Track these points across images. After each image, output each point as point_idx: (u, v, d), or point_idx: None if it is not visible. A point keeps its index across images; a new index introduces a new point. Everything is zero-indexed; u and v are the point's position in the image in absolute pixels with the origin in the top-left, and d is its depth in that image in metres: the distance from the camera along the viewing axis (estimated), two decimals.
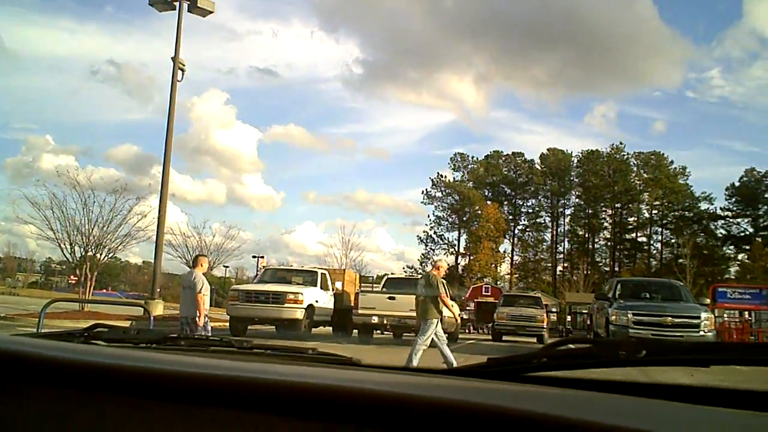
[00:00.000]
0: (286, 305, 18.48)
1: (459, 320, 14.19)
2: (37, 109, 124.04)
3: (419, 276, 26.17)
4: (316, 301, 19.86)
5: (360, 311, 18.67)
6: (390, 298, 18.48)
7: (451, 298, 22.03)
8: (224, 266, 48.84)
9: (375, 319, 18.38)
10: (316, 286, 20.56)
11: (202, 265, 11.69)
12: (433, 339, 11.57)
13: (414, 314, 17.80)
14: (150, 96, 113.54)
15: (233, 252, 36.61)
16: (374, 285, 23.63)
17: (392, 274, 27.78)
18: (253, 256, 45.81)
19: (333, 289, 21.92)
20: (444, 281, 11.91)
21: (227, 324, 19.51)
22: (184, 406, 0.97)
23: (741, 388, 1.40)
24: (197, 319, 11.09)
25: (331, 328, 22.10)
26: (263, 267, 32.01)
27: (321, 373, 1.11)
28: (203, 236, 35.33)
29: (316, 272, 21.72)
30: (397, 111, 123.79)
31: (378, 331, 20.01)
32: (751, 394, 1.34)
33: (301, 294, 18.91)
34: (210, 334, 10.16)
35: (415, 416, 0.87)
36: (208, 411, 0.96)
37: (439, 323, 11.33)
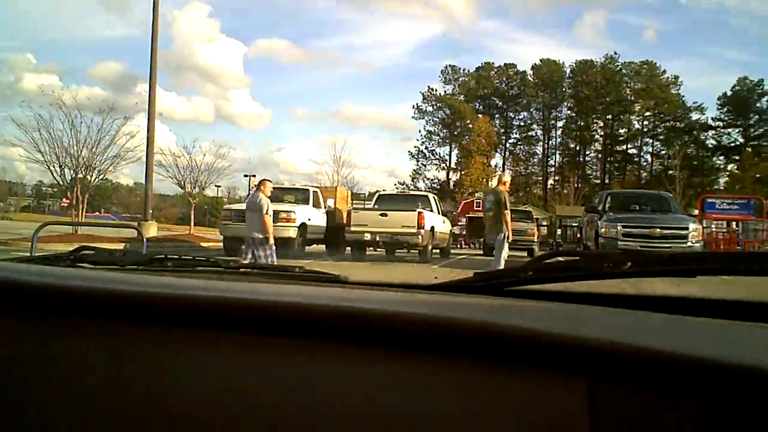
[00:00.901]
0: (279, 224, 18.50)
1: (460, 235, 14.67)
2: (15, 25, 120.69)
3: (411, 192, 26.18)
4: (309, 220, 19.91)
5: (352, 229, 18.72)
6: (382, 214, 18.52)
7: (443, 214, 22.21)
8: (216, 186, 48.78)
9: (367, 237, 18.45)
10: (308, 204, 20.58)
11: (265, 188, 12.41)
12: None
13: (406, 231, 17.96)
14: (130, 8, 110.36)
15: (224, 171, 36.44)
16: (366, 202, 23.72)
17: (384, 190, 27.77)
18: (245, 175, 45.60)
19: (325, 207, 21.95)
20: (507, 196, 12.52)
21: (221, 244, 19.62)
22: (166, 327, 0.97)
23: (728, 299, 1.41)
24: (265, 238, 11.95)
25: (324, 246, 22.25)
26: (255, 186, 31.95)
27: (306, 291, 1.10)
28: (193, 156, 35.02)
29: (308, 190, 21.71)
30: (385, 22, 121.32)
31: (371, 249, 20.15)
32: (739, 305, 1.35)
33: (294, 212, 18.94)
34: (274, 256, 12.00)
35: (398, 332, 0.87)
36: (191, 332, 0.96)
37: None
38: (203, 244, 24.66)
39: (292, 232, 18.73)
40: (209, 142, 65.18)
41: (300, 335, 0.90)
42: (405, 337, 0.86)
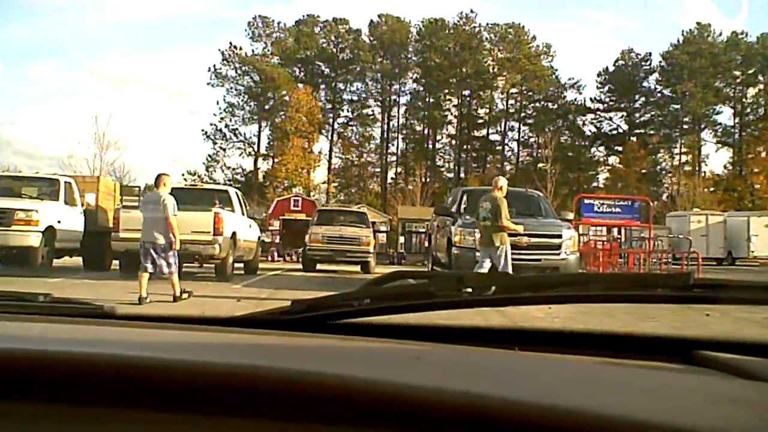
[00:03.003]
0: (13, 228, 17.61)
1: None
2: None
3: (206, 185, 25.86)
4: (59, 222, 19.16)
5: (122, 235, 18.21)
6: None
7: (250, 217, 22.20)
8: None
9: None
10: (57, 200, 19.78)
11: (165, 185, 13.94)
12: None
13: (198, 238, 17.72)
14: None
15: None
16: (142, 198, 23.00)
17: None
18: None
19: (83, 205, 21.27)
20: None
21: None
22: None
23: (596, 331, 1.52)
24: (165, 244, 13.50)
25: (80, 258, 21.65)
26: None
27: (54, 331, 1.05)
28: None
29: (57, 181, 20.80)
30: None
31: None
32: (608, 338, 1.45)
33: (36, 212, 18.09)
34: (176, 263, 13.69)
35: (183, 390, 0.84)
36: None
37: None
38: None
39: (34, 240, 17.87)
40: None
41: (42, 398, 0.85)
42: (193, 396, 0.84)
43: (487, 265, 13.92)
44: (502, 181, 14.65)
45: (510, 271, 13.31)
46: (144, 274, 13.48)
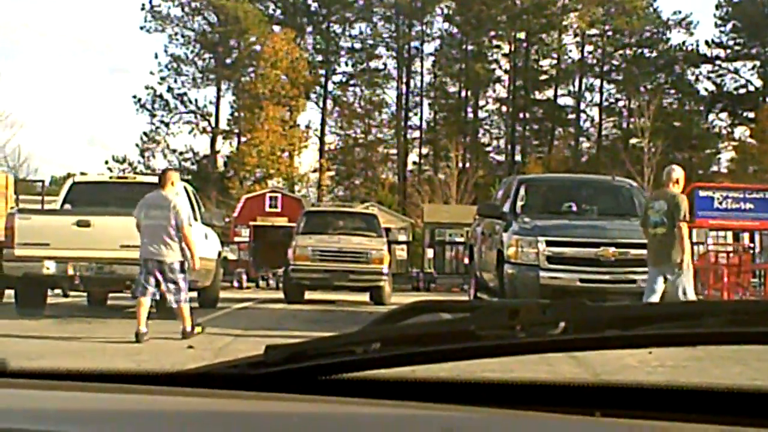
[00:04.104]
0: None
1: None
2: None
3: (140, 178, 25.94)
4: None
5: (18, 252, 18.26)
6: (80, 224, 18.20)
7: (207, 224, 22.29)
8: None
9: (50, 268, 18.07)
10: None
11: (173, 183, 15.35)
12: None
13: (133, 255, 17.78)
14: None
15: None
16: (45, 197, 23.12)
17: (82, 174, 27.13)
18: None
19: None
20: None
21: None
22: None
23: (719, 387, 1.50)
24: (175, 263, 14.68)
25: None
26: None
27: None
28: None
29: None
30: None
31: (58, 291, 19.78)
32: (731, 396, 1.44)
33: None
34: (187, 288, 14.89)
35: None
36: None
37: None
38: None
39: None
40: None
41: None
42: None
43: (659, 291, 14.13)
44: (678, 172, 14.75)
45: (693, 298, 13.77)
46: (143, 301, 14.49)
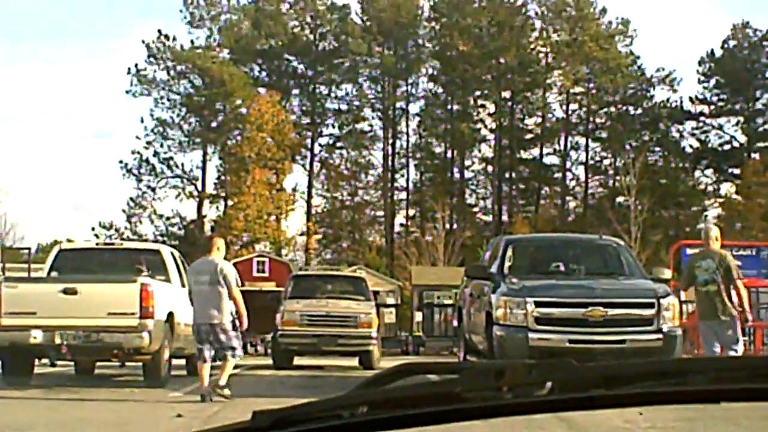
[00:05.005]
0: None
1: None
2: None
3: (127, 244, 25.90)
4: None
5: (5, 321, 18.14)
6: (67, 291, 18.12)
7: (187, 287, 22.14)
8: None
9: (37, 338, 17.95)
10: None
11: (219, 249, 16.49)
12: None
13: (117, 323, 17.76)
14: None
15: None
16: (32, 264, 23.04)
17: (69, 241, 27.09)
18: None
19: None
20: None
21: None
22: None
23: None
24: (229, 322, 15.72)
25: None
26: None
27: None
28: None
29: None
30: None
31: (45, 361, 19.65)
32: None
33: None
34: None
35: None
36: None
37: None
38: None
39: None
40: None
41: None
42: None
43: (717, 348, 15.32)
44: (716, 230, 16.15)
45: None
46: (205, 366, 15.55)
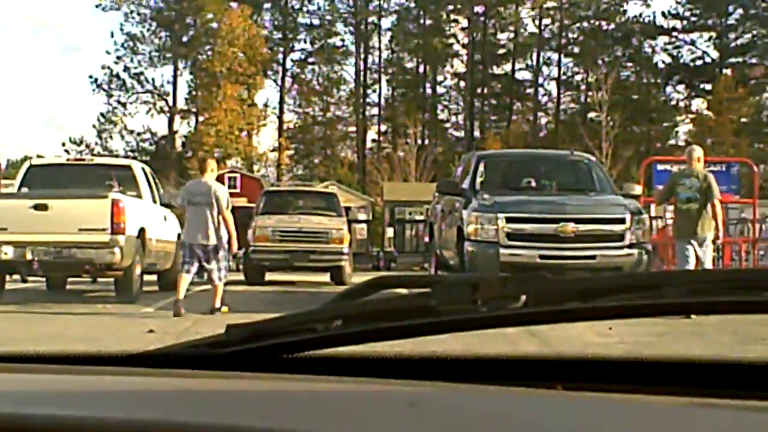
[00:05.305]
0: None
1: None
2: None
3: (98, 159, 25.79)
4: None
5: None
6: (38, 206, 18.07)
7: (166, 205, 22.24)
8: None
9: (8, 253, 17.93)
10: None
11: (213, 170, 17.04)
12: None
13: (88, 238, 17.74)
14: None
15: None
16: (2, 181, 22.90)
17: (39, 157, 26.90)
18: None
19: None
20: None
21: None
22: None
23: (679, 358, 1.52)
24: (222, 243, 16.34)
25: None
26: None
27: None
28: None
29: None
30: None
31: (16, 277, 19.63)
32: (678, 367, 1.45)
33: None
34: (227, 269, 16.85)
35: None
36: None
37: None
38: None
39: None
40: None
41: None
42: None
43: (692, 260, 15.70)
44: (700, 151, 16.75)
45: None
46: (185, 277, 16.23)
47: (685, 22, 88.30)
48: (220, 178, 54.07)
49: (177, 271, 22.97)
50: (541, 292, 1.31)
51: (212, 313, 15.71)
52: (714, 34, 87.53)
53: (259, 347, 1.28)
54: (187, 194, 17.08)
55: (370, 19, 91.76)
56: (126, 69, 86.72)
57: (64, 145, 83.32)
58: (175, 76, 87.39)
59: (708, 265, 15.89)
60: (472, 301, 1.36)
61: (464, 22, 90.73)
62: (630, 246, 16.67)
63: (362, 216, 51.52)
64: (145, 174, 21.54)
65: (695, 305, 1.45)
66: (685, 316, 9.63)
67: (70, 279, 21.20)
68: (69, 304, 18.10)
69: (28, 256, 18.04)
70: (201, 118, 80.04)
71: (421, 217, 45.89)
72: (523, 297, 1.32)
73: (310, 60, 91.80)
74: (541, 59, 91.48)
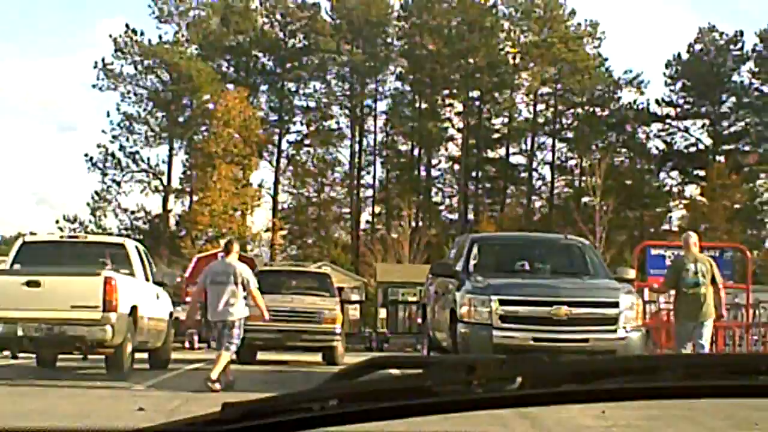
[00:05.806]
0: None
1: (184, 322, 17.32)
2: None
3: (91, 238, 25.78)
4: None
5: None
6: (30, 284, 18.04)
7: (158, 283, 22.25)
8: None
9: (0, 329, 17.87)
10: None
11: (237, 252, 18.16)
12: None
13: (80, 316, 17.69)
14: None
15: None
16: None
17: (32, 234, 26.96)
18: None
19: None
20: None
21: None
22: None
23: None
24: (236, 320, 17.18)
25: None
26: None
27: None
28: None
29: None
30: None
31: (7, 353, 19.57)
32: None
33: None
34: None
35: None
36: None
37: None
38: None
39: None
40: None
41: None
42: None
43: (689, 348, 16.38)
44: (695, 237, 17.45)
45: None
46: (225, 354, 16.94)
47: (678, 109, 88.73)
48: (212, 259, 54.10)
49: (169, 348, 23.02)
50: (538, 374, 1.31)
51: (208, 381, 16.02)
52: (707, 122, 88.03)
53: (255, 426, 1.27)
54: (211, 273, 17.82)
55: (365, 102, 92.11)
56: (121, 148, 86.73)
57: (57, 222, 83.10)
58: (170, 156, 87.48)
59: (707, 345, 16.57)
60: (468, 382, 1.36)
61: (459, 107, 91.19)
62: (624, 330, 16.65)
63: (355, 297, 51.46)
64: (138, 252, 21.55)
65: (691, 389, 1.45)
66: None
67: (60, 355, 21.11)
68: (59, 380, 18.01)
69: (20, 332, 17.96)
70: (195, 198, 79.91)
71: (414, 299, 45.92)
72: (519, 379, 1.31)
73: (306, 141, 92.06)
74: (535, 144, 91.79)
